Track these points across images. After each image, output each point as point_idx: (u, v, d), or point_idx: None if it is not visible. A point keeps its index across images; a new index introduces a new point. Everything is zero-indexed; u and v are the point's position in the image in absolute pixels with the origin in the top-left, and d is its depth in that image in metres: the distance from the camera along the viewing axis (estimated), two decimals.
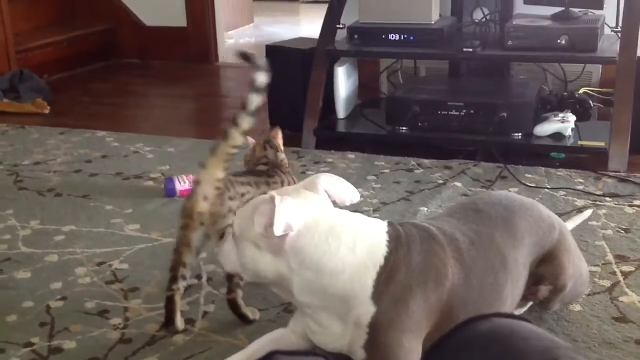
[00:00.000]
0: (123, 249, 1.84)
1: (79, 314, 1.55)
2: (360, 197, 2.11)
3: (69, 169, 2.44)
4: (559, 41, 2.36)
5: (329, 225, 1.22)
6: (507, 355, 0.69)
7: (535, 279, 1.40)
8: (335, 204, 1.29)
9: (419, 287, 1.21)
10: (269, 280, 1.26)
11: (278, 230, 1.16)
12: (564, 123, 2.40)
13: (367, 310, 1.20)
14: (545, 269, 1.39)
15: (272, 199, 1.18)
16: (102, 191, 2.23)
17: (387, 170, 2.35)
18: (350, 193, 1.31)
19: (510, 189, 2.14)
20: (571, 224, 1.71)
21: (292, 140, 2.65)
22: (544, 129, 2.41)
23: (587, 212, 1.79)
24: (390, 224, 1.27)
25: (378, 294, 1.20)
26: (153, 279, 1.68)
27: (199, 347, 1.42)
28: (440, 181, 2.24)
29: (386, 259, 1.21)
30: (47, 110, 3.18)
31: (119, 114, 3.21)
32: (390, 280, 1.20)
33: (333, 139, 2.64)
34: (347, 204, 1.30)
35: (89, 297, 1.61)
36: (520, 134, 2.40)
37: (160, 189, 2.21)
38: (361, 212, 1.68)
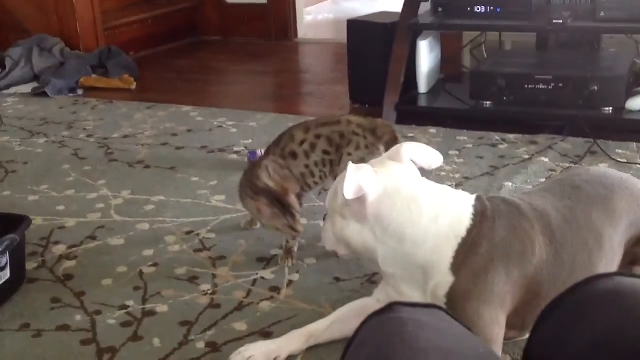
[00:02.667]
0: (210, 219, 1.88)
1: (170, 279, 1.60)
2: (442, 171, 2.11)
3: (156, 142, 2.51)
4: None
5: (411, 192, 1.22)
6: (632, 313, 0.66)
7: (630, 258, 1.35)
8: (422, 171, 1.29)
9: (500, 260, 1.19)
10: (357, 250, 1.27)
11: (347, 194, 1.18)
12: None
13: (445, 280, 1.20)
14: None
15: (352, 168, 1.20)
16: (188, 163, 2.29)
17: (469, 145, 2.31)
18: (434, 157, 1.30)
19: (599, 165, 2.07)
20: None
21: (373, 115, 2.61)
22: (636, 102, 2.32)
23: None
24: (478, 198, 1.26)
25: (457, 265, 1.19)
26: (239, 247, 1.72)
27: (285, 314, 1.45)
28: (526, 156, 2.19)
29: (469, 231, 1.20)
30: (133, 86, 3.28)
31: (202, 89, 3.27)
32: (471, 253, 1.19)
33: (414, 114, 2.62)
34: (433, 167, 1.30)
35: (179, 263, 1.67)
36: (610, 108, 2.32)
37: (244, 162, 2.25)
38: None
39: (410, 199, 1.21)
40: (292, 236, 1.62)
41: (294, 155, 1.61)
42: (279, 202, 1.55)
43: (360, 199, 1.21)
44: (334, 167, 1.61)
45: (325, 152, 1.60)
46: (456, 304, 1.19)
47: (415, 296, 1.24)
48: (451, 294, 1.20)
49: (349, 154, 1.58)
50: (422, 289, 1.23)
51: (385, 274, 1.27)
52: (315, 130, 1.61)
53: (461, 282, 1.19)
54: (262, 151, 2.21)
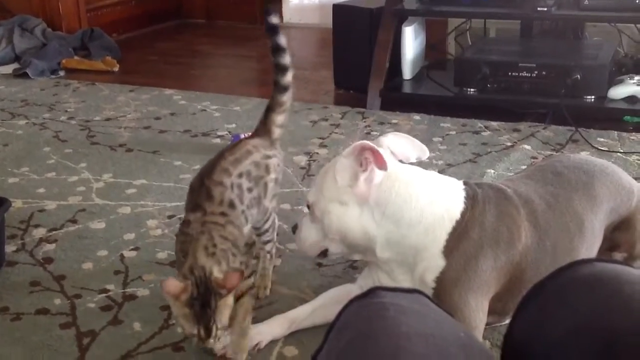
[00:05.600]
0: None
1: (152, 263, 1.60)
2: (426, 158, 2.10)
3: (138, 125, 2.49)
4: (637, 1, 2.26)
5: (408, 176, 1.23)
6: (614, 298, 0.67)
7: (609, 245, 1.37)
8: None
9: (490, 247, 1.20)
10: (354, 239, 1.24)
11: (384, 167, 1.18)
12: (639, 86, 2.32)
13: (435, 264, 1.20)
14: (621, 236, 1.36)
15: (361, 146, 1.19)
16: (171, 147, 2.28)
17: (453, 132, 2.32)
18: (417, 150, 1.31)
19: (581, 153, 2.08)
20: None
21: (357, 101, 2.64)
22: (619, 91, 2.34)
23: None
24: (466, 183, 1.27)
25: (449, 249, 1.20)
26: None
27: (267, 299, 1.45)
28: (509, 144, 2.20)
29: (462, 214, 1.21)
30: (116, 68, 3.25)
31: (186, 73, 3.25)
32: (463, 237, 1.19)
33: (398, 100, 2.62)
34: (413, 160, 1.30)
35: (161, 248, 1.66)
36: (593, 97, 2.33)
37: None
38: None
39: (408, 182, 1.22)
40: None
41: (232, 205, 1.29)
42: (203, 302, 1.13)
43: (367, 180, 1.20)
44: (260, 203, 1.36)
45: (249, 190, 1.33)
46: (444, 290, 1.19)
47: (406, 280, 1.24)
48: (440, 279, 1.20)
49: (272, 180, 1.39)
50: (411, 273, 1.24)
51: (380, 260, 1.26)
52: (235, 169, 1.32)
53: (452, 268, 1.19)
54: (246, 136, 2.21)
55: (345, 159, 1.23)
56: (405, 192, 1.21)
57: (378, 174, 1.21)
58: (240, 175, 1.31)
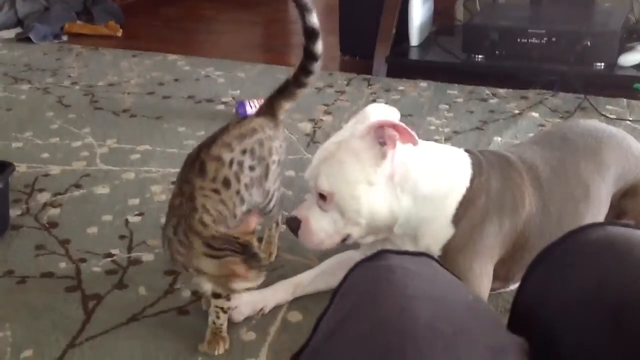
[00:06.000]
0: None
1: (156, 229, 1.58)
2: (432, 125, 2.09)
3: (142, 91, 2.47)
4: None
5: (417, 149, 1.20)
6: (624, 262, 0.65)
7: (616, 212, 1.35)
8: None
9: (495, 213, 1.19)
10: (383, 219, 1.20)
11: (415, 138, 1.14)
12: None
13: (444, 233, 1.19)
14: (628, 203, 1.35)
15: (379, 124, 1.15)
16: (175, 113, 2.26)
17: (460, 100, 2.29)
18: (395, 117, 1.29)
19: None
20: None
21: (363, 68, 2.61)
22: (629, 59, 2.30)
23: None
24: (468, 151, 1.25)
25: (458, 217, 1.19)
26: None
27: (271, 265, 1.44)
28: (516, 111, 2.18)
29: (471, 182, 1.20)
30: (119, 33, 3.22)
31: (189, 39, 3.21)
32: (470, 205, 1.19)
33: (405, 67, 2.59)
34: None
35: (165, 213, 1.64)
36: (603, 64, 2.30)
37: (232, 112, 2.22)
38: (433, 141, 1.65)
39: (418, 155, 1.20)
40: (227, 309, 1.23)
41: (227, 183, 1.22)
42: (252, 256, 1.14)
43: (393, 157, 1.17)
44: (261, 183, 1.32)
45: (251, 168, 1.27)
46: (449, 256, 1.18)
47: (412, 249, 1.22)
48: (447, 247, 1.19)
49: (274, 162, 1.34)
50: (417, 243, 1.22)
51: (395, 235, 1.23)
52: (239, 144, 1.26)
53: (459, 235, 1.19)
54: (251, 102, 2.20)
55: (360, 140, 1.18)
56: (417, 166, 1.19)
57: (399, 150, 1.18)
58: (243, 152, 1.26)
